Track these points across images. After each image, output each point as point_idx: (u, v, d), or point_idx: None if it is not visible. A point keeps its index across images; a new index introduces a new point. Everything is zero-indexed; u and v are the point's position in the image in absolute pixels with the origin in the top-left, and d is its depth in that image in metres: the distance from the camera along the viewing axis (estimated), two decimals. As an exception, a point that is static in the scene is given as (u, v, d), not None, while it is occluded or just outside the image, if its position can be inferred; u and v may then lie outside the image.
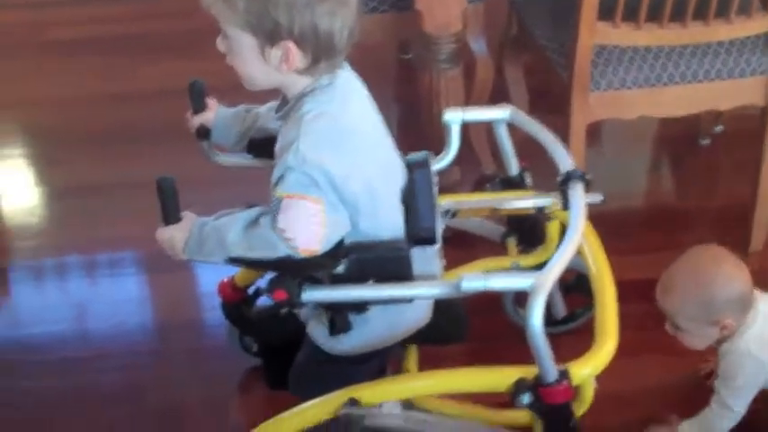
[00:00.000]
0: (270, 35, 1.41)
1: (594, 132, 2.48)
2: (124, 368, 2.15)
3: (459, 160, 2.34)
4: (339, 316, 1.54)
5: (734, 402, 1.80)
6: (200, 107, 1.73)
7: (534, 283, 1.43)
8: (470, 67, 2.42)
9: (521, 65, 2.54)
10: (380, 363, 1.69)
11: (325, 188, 1.42)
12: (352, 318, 1.55)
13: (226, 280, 1.96)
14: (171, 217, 1.50)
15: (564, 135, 2.14)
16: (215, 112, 1.74)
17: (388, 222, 1.53)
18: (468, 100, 2.38)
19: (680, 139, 2.74)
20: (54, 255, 2.48)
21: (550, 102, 2.26)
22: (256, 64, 1.44)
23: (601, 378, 1.59)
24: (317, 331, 1.63)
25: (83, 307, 2.32)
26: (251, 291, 1.96)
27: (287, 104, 1.50)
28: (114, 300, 2.34)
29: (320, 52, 1.42)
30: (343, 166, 1.43)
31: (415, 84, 2.41)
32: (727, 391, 1.80)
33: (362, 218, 1.48)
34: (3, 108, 3.05)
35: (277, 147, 1.48)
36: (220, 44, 1.47)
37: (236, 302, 1.97)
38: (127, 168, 2.63)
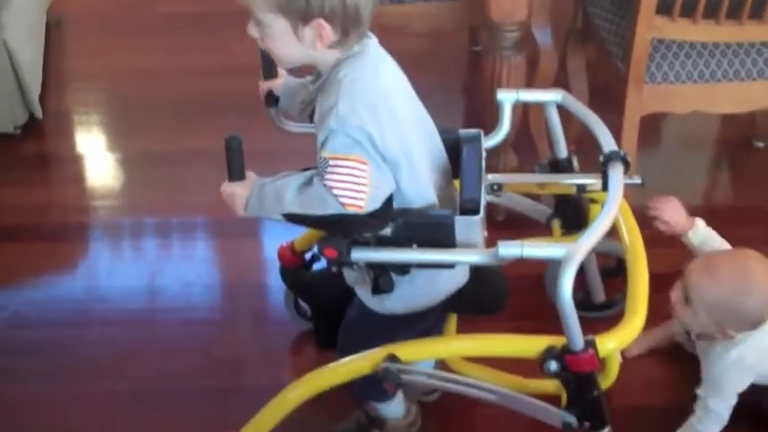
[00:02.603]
0: (302, 15, 1.47)
1: (651, 130, 2.52)
2: (190, 323, 2.28)
3: (516, 147, 2.45)
4: (383, 276, 1.62)
5: (723, 408, 1.82)
6: (270, 74, 1.82)
7: (566, 252, 1.49)
8: (534, 57, 2.47)
9: (583, 58, 2.59)
10: (425, 327, 1.77)
11: (367, 147, 1.50)
12: (395, 278, 1.63)
13: (285, 244, 2.05)
14: (236, 174, 1.59)
15: (618, 127, 2.21)
16: (284, 80, 1.83)
17: (426, 183, 1.60)
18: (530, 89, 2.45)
19: (734, 141, 2.77)
20: (130, 215, 2.64)
21: (609, 97, 2.31)
22: (291, 44, 1.51)
23: (635, 362, 1.63)
24: (364, 292, 1.72)
25: (155, 265, 2.47)
26: (308, 256, 2.05)
27: (321, 77, 1.57)
28: (184, 261, 2.48)
29: (349, 25, 1.49)
30: (381, 125, 1.50)
31: (482, 73, 2.50)
32: (715, 399, 1.81)
33: (403, 177, 1.56)
34: (102, 77, 3.22)
35: (316, 114, 1.56)
36: (252, 30, 1.53)
37: (294, 267, 2.07)
38: (206, 139, 2.67)
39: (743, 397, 1.85)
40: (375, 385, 1.71)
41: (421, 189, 1.60)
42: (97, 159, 2.90)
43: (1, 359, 2.20)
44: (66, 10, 3.52)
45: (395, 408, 1.91)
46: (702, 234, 1.87)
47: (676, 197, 1.90)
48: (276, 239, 2.10)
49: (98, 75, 3.23)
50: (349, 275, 1.74)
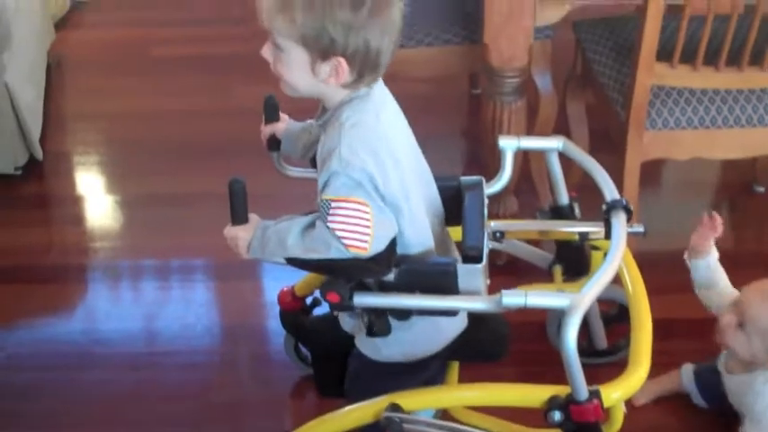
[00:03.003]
0: (323, 51, 1.47)
1: (652, 175, 2.53)
2: (190, 367, 2.27)
3: (517, 192, 2.45)
4: (379, 319, 1.61)
5: None
6: (272, 119, 1.83)
7: (570, 303, 1.49)
8: (534, 102, 2.50)
9: (583, 103, 2.60)
10: (427, 376, 1.75)
11: (369, 189, 1.49)
12: (394, 324, 1.62)
13: (286, 289, 2.05)
14: (238, 217, 1.59)
15: (619, 173, 2.22)
16: (286, 124, 1.83)
17: (424, 227, 1.60)
18: (530, 134, 2.45)
19: (735, 186, 2.78)
20: (130, 257, 2.63)
21: (610, 141, 2.33)
22: (304, 76, 1.51)
23: (640, 411, 1.62)
24: (362, 340, 1.71)
25: (154, 308, 2.45)
26: (309, 301, 2.05)
27: (326, 112, 1.57)
28: (184, 303, 2.47)
29: (366, 68, 1.50)
30: (382, 169, 1.50)
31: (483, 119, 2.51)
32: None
33: (404, 221, 1.55)
34: (102, 118, 3.23)
35: (318, 154, 1.56)
36: (267, 53, 1.52)
37: (295, 311, 2.06)
38: (206, 181, 2.72)
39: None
40: None
41: (419, 233, 1.60)
42: (97, 201, 2.90)
43: (-3, 401, 2.19)
44: (65, 51, 3.54)
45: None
46: (713, 267, 1.88)
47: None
48: (277, 282, 2.10)
49: (98, 116, 3.24)
50: (346, 323, 1.73)
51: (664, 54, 2.08)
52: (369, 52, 1.48)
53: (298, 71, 1.51)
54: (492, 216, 2.35)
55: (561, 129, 2.56)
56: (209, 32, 3.62)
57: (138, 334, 2.38)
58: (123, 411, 2.16)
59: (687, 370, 2.04)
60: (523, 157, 2.40)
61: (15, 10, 2.83)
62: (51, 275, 2.57)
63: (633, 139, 2.17)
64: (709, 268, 1.90)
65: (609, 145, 2.32)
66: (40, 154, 2.92)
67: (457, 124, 3.17)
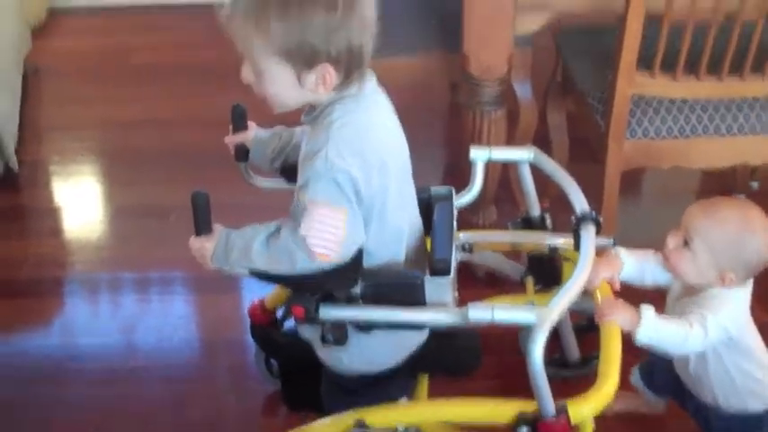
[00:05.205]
0: (307, 61, 1.44)
1: (632, 184, 2.52)
2: (166, 381, 2.24)
3: (498, 200, 2.44)
4: (336, 328, 1.58)
5: (713, 325, 1.68)
6: (239, 127, 1.80)
7: (537, 317, 1.48)
8: (515, 111, 2.48)
9: (564, 112, 2.59)
10: (394, 389, 1.72)
11: (349, 194, 1.47)
12: (355, 336, 1.60)
13: (256, 302, 2.03)
14: (202, 228, 1.57)
15: (599, 181, 2.21)
16: (254, 132, 1.80)
17: (394, 236, 1.58)
18: (511, 143, 2.44)
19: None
20: (108, 270, 2.60)
21: (590, 150, 2.32)
22: (291, 90, 1.48)
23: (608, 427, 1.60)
24: (324, 351, 1.68)
25: (132, 321, 2.42)
26: (279, 314, 2.03)
27: (314, 110, 1.54)
28: (162, 316, 2.44)
29: (352, 67, 1.48)
30: (366, 172, 1.48)
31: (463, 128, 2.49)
32: (709, 317, 1.69)
33: (373, 228, 1.53)
34: (79, 128, 3.20)
35: (302, 151, 1.53)
36: (247, 75, 1.50)
37: (265, 324, 2.04)
38: (184, 192, 2.69)
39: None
40: None
41: (388, 242, 1.57)
42: (74, 212, 2.87)
43: (-29, 417, 2.16)
44: (42, 59, 3.50)
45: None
46: (653, 327, 1.69)
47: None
48: (255, 295, 2.08)
49: (76, 125, 3.21)
50: (305, 330, 1.69)
51: (644, 62, 2.07)
52: (352, 50, 1.45)
53: (283, 87, 1.49)
54: (471, 225, 2.34)
55: (542, 137, 2.56)
56: (189, 40, 3.58)
57: (116, 348, 2.35)
58: (102, 426, 2.13)
59: (634, 369, 2.00)
60: (503, 165, 2.39)
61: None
62: (27, 289, 2.54)
63: (613, 149, 2.16)
64: (650, 329, 1.70)
65: (589, 153, 2.31)
66: (15, 164, 2.88)
67: (437, 133, 3.14)
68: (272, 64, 1.46)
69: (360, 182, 1.47)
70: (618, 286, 1.78)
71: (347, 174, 1.46)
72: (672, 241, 1.75)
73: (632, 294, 1.73)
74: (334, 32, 1.43)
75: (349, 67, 1.47)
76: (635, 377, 2.00)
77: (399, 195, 1.58)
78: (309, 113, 1.55)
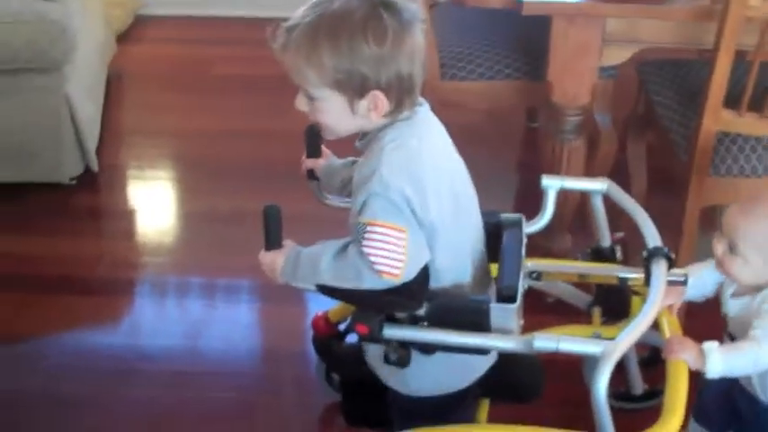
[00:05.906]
0: (359, 89, 1.47)
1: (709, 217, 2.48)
2: (231, 388, 2.25)
3: (572, 229, 2.42)
4: (400, 349, 1.58)
5: None
6: (312, 151, 1.82)
7: (603, 350, 1.46)
8: (595, 140, 2.47)
9: (644, 144, 2.57)
10: (466, 415, 1.72)
11: (407, 214, 1.47)
12: (417, 357, 1.59)
13: (320, 314, 2.04)
14: (273, 242, 1.58)
15: (678, 217, 2.18)
16: (327, 160, 1.82)
17: (460, 259, 1.58)
18: (589, 172, 2.42)
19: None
20: (178, 274, 2.63)
21: (668, 183, 2.29)
22: (344, 117, 1.52)
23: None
24: (390, 376, 1.68)
25: (198, 326, 2.45)
26: (342, 327, 2.03)
27: (367, 134, 1.56)
28: (227, 323, 2.46)
29: (403, 94, 1.50)
30: (422, 193, 1.48)
31: (540, 152, 2.48)
32: None
33: (438, 249, 1.53)
34: (157, 134, 3.26)
35: (356, 176, 1.54)
36: (302, 104, 1.54)
37: (327, 337, 2.05)
38: (258, 201, 2.74)
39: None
40: None
41: (454, 264, 1.57)
42: (148, 215, 2.91)
43: (38, 409, 2.18)
44: (126, 65, 3.58)
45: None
46: (721, 362, 1.65)
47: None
48: (321, 306, 2.08)
49: (155, 131, 3.27)
50: (368, 349, 1.69)
51: (729, 99, 2.04)
52: (402, 80, 1.48)
53: (337, 115, 1.52)
54: (544, 251, 2.32)
55: (620, 167, 2.54)
56: (269, 54, 3.61)
57: (182, 351, 2.37)
58: (164, 429, 2.14)
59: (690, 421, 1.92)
60: (582, 194, 2.37)
61: (80, 23, 2.86)
62: (99, 288, 2.57)
63: (695, 185, 2.13)
64: (718, 365, 1.67)
65: (667, 186, 2.28)
66: (95, 166, 2.94)
67: (511, 157, 3.14)
68: (324, 93, 1.49)
69: (414, 202, 1.48)
70: (675, 312, 1.78)
71: (401, 193, 1.47)
72: (719, 247, 1.72)
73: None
74: (384, 64, 1.46)
75: (400, 94, 1.50)
76: (692, 426, 1.95)
77: (457, 217, 1.58)
78: (363, 138, 1.57)
